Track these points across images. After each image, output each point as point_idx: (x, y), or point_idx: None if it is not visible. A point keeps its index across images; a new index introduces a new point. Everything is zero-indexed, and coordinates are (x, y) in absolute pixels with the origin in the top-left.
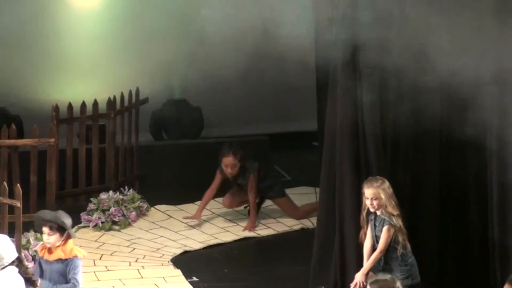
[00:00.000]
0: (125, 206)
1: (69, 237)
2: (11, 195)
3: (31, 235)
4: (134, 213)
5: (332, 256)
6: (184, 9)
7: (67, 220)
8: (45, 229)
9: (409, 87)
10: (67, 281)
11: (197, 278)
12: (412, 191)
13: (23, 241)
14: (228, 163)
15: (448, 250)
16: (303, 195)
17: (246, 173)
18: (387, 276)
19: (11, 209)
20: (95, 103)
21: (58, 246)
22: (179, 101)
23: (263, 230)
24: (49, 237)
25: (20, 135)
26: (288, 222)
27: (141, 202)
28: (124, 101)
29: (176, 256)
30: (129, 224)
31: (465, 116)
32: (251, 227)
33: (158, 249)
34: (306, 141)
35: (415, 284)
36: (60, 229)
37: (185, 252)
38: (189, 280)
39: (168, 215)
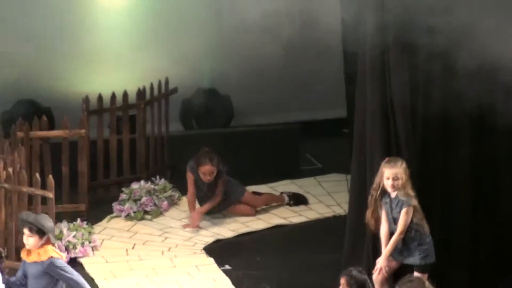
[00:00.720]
0: (157, 196)
1: (48, 241)
2: (44, 187)
3: (63, 226)
4: (165, 202)
5: (365, 241)
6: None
7: (48, 224)
8: (25, 231)
9: (441, 69)
10: (44, 283)
11: (229, 266)
12: (443, 174)
13: (56, 231)
14: (207, 171)
15: (480, 235)
16: (334, 182)
17: (219, 177)
18: (414, 277)
19: (44, 200)
20: (125, 94)
21: (37, 249)
22: (209, 90)
23: (295, 218)
24: (28, 239)
25: (51, 127)
26: (320, 209)
27: (172, 191)
28: (154, 91)
29: (208, 245)
30: (161, 214)
31: (499, 101)
32: (195, 224)
33: (190, 238)
34: (336, 128)
35: (430, 263)
36: (40, 232)
37: (217, 241)
38: (221, 268)
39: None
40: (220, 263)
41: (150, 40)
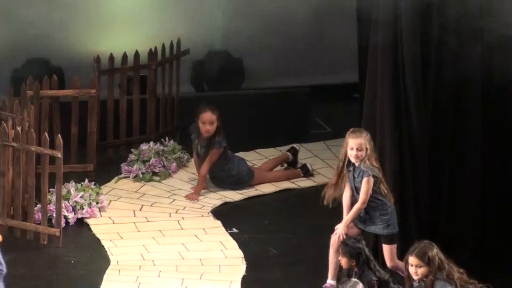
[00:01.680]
0: (166, 157)
1: None
2: (52, 146)
3: (71, 186)
4: (174, 164)
5: None
6: None
7: None
8: None
9: (454, 36)
10: None
11: (237, 229)
12: (453, 139)
13: (64, 191)
14: (207, 119)
15: (488, 206)
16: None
17: (213, 144)
18: (426, 242)
19: (52, 159)
20: (136, 54)
21: None
22: (221, 52)
23: (303, 182)
24: None
25: (62, 86)
26: (328, 174)
27: (181, 153)
28: (165, 52)
29: (216, 208)
30: (170, 175)
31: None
32: (195, 198)
33: (198, 200)
34: (347, 92)
35: (395, 233)
36: None
37: (225, 204)
38: (229, 231)
39: None
40: (227, 226)
41: (163, 0)
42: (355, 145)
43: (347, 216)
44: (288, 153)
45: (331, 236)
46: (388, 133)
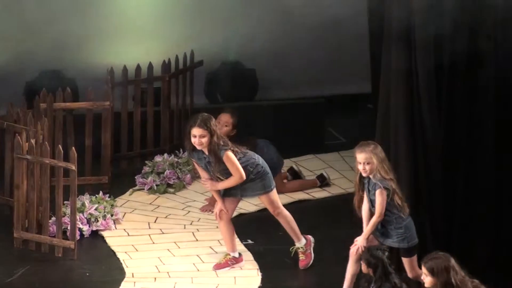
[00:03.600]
0: (180, 169)
1: None
2: (66, 158)
3: (86, 198)
4: (189, 175)
5: None
6: None
7: None
8: None
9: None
10: None
11: (252, 241)
12: (467, 146)
13: (78, 204)
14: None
15: (504, 215)
16: None
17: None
18: (440, 254)
19: (66, 172)
20: (150, 66)
21: None
22: (234, 63)
23: (318, 193)
24: None
25: (75, 99)
26: (343, 185)
27: None
28: (179, 64)
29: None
30: (184, 187)
31: None
32: (209, 209)
33: (213, 212)
34: (360, 103)
35: (412, 246)
36: None
37: (240, 215)
38: (244, 242)
39: None
40: (242, 237)
41: (177, 12)
42: (361, 159)
43: (365, 230)
44: (316, 179)
45: (351, 247)
46: (402, 144)
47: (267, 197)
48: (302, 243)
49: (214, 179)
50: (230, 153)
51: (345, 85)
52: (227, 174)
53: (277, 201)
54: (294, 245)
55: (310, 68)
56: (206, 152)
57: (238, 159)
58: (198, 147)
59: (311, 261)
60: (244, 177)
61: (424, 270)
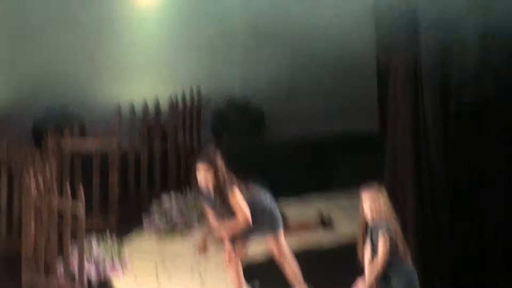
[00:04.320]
0: (187, 210)
1: None
2: (74, 196)
3: (93, 241)
4: (196, 216)
5: None
6: (249, 8)
7: None
8: None
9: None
10: None
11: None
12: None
13: (86, 246)
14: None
15: None
16: None
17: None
18: None
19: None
20: (157, 103)
21: None
22: (240, 100)
23: (324, 237)
24: None
25: (83, 136)
26: (349, 224)
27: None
28: (186, 101)
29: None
30: (191, 228)
31: None
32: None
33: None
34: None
35: None
36: None
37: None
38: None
39: None
40: (250, 281)
41: (184, 49)
42: (367, 200)
43: (366, 278)
44: (318, 222)
45: None
46: (409, 186)
47: (275, 238)
48: None
49: (220, 217)
50: (236, 189)
51: (351, 126)
52: (232, 214)
53: (284, 245)
54: None
55: (318, 103)
56: (212, 189)
57: (244, 196)
58: (203, 183)
59: None
60: (249, 217)
61: None
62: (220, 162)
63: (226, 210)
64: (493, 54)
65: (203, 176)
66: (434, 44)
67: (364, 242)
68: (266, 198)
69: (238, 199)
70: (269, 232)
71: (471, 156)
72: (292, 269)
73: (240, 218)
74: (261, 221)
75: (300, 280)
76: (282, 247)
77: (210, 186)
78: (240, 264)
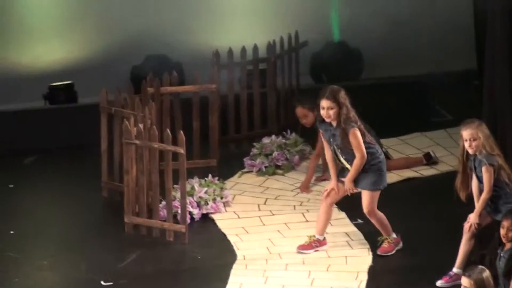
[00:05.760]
0: (288, 150)
1: None
2: (174, 142)
3: (195, 182)
4: (297, 156)
5: None
6: None
7: None
8: None
9: None
10: None
11: (361, 220)
12: None
13: (188, 187)
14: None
15: None
16: None
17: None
18: (478, 268)
19: (175, 156)
20: (255, 48)
21: None
22: (338, 43)
23: (426, 171)
24: None
25: (182, 82)
26: (451, 161)
27: (303, 145)
28: (284, 45)
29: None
30: (293, 168)
31: None
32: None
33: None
34: (466, 80)
35: None
36: None
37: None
38: (354, 222)
39: None
40: (352, 217)
41: None
42: (467, 136)
43: (476, 207)
44: (422, 157)
45: (464, 224)
46: (509, 120)
47: (370, 195)
48: (392, 236)
49: (333, 153)
50: (357, 131)
51: (450, 62)
52: (347, 153)
53: (375, 202)
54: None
55: (415, 46)
56: (335, 125)
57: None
58: (326, 119)
59: (390, 253)
60: (366, 157)
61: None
62: (343, 100)
63: (342, 148)
64: None
65: (326, 112)
66: None
67: (462, 177)
68: (380, 155)
69: (359, 139)
70: (369, 189)
71: None
72: (380, 222)
73: (358, 155)
74: (365, 176)
75: (388, 231)
76: (373, 204)
77: (334, 122)
78: (332, 204)
